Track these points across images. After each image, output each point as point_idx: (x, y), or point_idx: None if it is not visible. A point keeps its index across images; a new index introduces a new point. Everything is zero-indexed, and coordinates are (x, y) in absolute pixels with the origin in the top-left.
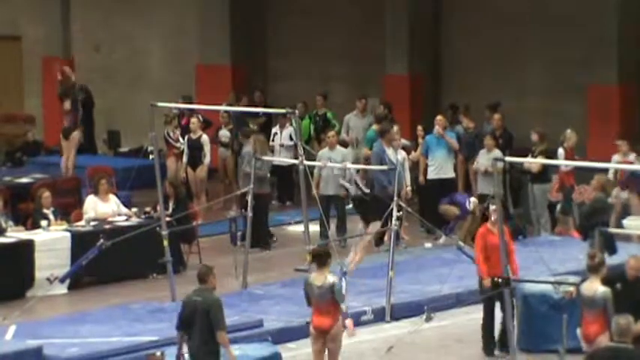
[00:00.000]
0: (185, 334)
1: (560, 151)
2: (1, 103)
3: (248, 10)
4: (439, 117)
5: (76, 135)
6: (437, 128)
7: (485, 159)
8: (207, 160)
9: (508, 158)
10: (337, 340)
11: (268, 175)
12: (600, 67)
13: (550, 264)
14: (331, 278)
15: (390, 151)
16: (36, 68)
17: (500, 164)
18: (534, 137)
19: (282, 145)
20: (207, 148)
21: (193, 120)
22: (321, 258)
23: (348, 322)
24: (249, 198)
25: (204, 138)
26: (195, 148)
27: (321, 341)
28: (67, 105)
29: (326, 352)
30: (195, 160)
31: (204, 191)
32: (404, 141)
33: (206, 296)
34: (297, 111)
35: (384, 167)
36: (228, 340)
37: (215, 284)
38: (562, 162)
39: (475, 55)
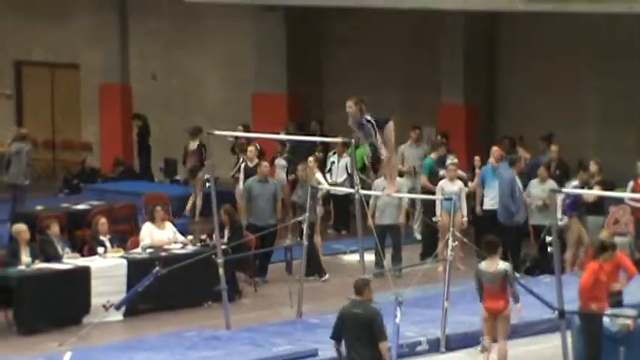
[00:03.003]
0: (339, 344)
1: (631, 183)
2: (59, 130)
3: (304, 40)
4: (495, 148)
5: (202, 175)
6: (491, 159)
7: (540, 190)
8: None
9: (565, 189)
10: (507, 320)
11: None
12: None
13: None
14: (502, 265)
15: (518, 179)
16: (94, 96)
17: (557, 195)
18: (593, 168)
19: (335, 184)
20: None
21: (250, 148)
22: (491, 246)
23: (519, 305)
24: (305, 226)
25: None
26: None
27: (491, 321)
28: (194, 145)
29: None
30: None
31: None
32: (460, 172)
33: (367, 308)
34: (353, 140)
35: (439, 197)
36: (389, 350)
37: (371, 297)
38: (613, 194)
39: (530, 85)
